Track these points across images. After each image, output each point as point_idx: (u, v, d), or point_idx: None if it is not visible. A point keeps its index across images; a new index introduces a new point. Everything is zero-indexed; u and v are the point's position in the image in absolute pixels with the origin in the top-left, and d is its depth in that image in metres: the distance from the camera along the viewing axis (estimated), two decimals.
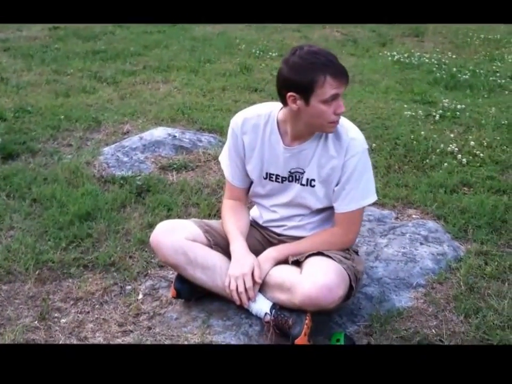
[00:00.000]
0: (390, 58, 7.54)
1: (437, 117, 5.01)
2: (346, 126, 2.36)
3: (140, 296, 2.62)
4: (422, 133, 4.52)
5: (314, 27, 9.41)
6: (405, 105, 5.34)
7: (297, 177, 2.41)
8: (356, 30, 9.37)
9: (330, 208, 2.44)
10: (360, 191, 2.37)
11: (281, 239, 2.53)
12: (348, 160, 2.32)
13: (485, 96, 5.88)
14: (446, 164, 3.97)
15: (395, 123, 4.81)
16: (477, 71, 6.80)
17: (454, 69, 6.82)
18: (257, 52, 7.61)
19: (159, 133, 4.37)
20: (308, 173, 2.39)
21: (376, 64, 7.26)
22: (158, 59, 7.19)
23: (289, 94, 2.21)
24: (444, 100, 5.48)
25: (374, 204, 3.37)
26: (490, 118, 4.96)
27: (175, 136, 4.31)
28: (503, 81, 6.39)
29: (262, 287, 2.35)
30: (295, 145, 2.37)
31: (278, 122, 2.38)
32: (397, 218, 3.34)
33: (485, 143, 4.36)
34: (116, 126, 4.71)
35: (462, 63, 7.28)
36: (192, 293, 2.50)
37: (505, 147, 4.32)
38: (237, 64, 6.94)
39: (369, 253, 2.94)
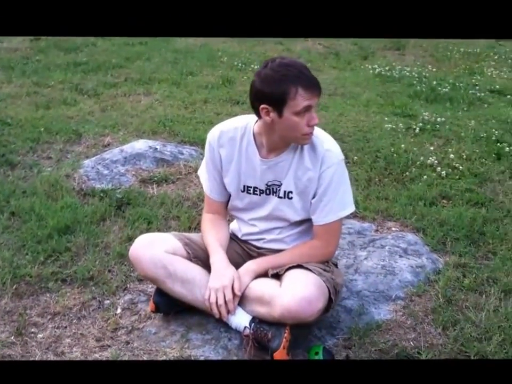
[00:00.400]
0: (371, 71, 7.59)
1: (417, 130, 5.05)
2: (321, 137, 2.37)
3: (118, 311, 2.60)
4: (402, 145, 4.55)
5: (296, 40, 9.47)
6: (386, 118, 5.37)
7: (275, 190, 2.42)
8: (338, 43, 9.43)
9: (309, 221, 2.45)
10: (337, 202, 2.38)
11: (261, 252, 2.53)
12: (323, 172, 2.33)
13: (465, 109, 5.93)
14: (425, 177, 4.00)
15: (376, 136, 4.84)
16: (457, 84, 6.85)
17: (434, 82, 6.87)
18: (239, 64, 7.63)
19: (140, 145, 4.37)
20: (284, 185, 2.40)
21: (357, 77, 7.31)
22: (139, 71, 7.18)
23: (262, 106, 2.22)
24: (424, 113, 5.52)
25: (354, 217, 3.40)
26: (470, 131, 5.01)
27: (156, 149, 4.30)
28: (483, 94, 6.45)
29: (242, 300, 2.35)
30: (271, 158, 2.38)
31: (254, 135, 2.39)
32: (376, 231, 3.36)
33: (464, 156, 4.40)
34: (96, 138, 4.69)
35: (442, 76, 7.34)
36: (171, 306, 2.49)
37: (484, 160, 4.36)
38: (219, 76, 6.95)
39: (349, 265, 2.94)
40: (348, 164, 4.02)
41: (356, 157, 4.32)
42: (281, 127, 2.26)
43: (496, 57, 8.71)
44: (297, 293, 2.19)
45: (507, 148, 4.53)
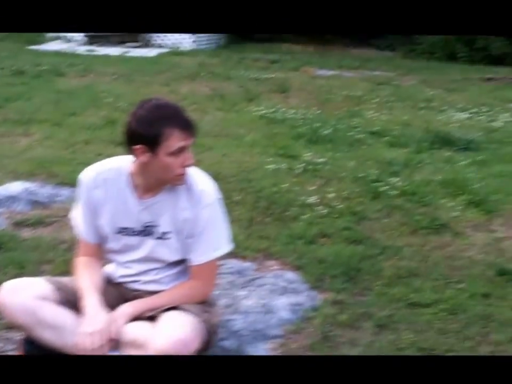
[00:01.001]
0: (256, 113, 7.68)
1: (299, 170, 5.16)
2: (197, 177, 2.37)
3: None
4: (284, 185, 4.63)
5: (182, 82, 9.54)
6: (269, 159, 5.45)
7: (151, 231, 2.38)
8: (223, 85, 9.57)
9: (187, 261, 2.42)
10: (213, 242, 2.37)
11: (137, 295, 2.47)
12: (199, 212, 2.33)
13: (345, 150, 6.10)
14: (306, 216, 4.08)
15: (259, 176, 4.90)
16: (338, 126, 7.06)
17: (317, 124, 7.03)
18: (124, 105, 7.54)
19: (15, 187, 4.20)
20: (161, 226, 2.37)
21: (242, 119, 7.39)
22: (19, 111, 6.91)
23: (137, 146, 2.21)
24: (306, 154, 5.65)
25: (235, 257, 3.40)
26: (349, 171, 5.17)
27: (32, 191, 4.15)
28: (362, 136, 6.68)
29: (116, 344, 2.27)
30: (147, 198, 2.35)
31: (130, 175, 2.36)
32: (257, 270, 3.37)
33: (343, 195, 4.52)
34: None
35: (325, 118, 7.55)
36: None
37: (362, 199, 4.50)
38: (103, 117, 6.83)
39: (228, 305, 2.93)
40: (230, 204, 4.03)
41: (238, 197, 4.34)
42: (156, 168, 2.25)
43: (376, 100, 9.10)
44: (172, 334, 2.15)
45: (384, 187, 4.71)
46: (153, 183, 2.32)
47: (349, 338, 2.69)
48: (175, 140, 2.19)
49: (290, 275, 3.28)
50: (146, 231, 2.39)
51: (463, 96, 10.06)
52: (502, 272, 3.35)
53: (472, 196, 4.57)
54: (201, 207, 2.34)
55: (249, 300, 2.99)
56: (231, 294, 3.04)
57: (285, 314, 2.88)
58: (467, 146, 6.30)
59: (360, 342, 2.65)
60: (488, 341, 2.70)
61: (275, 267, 3.40)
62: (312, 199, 4.36)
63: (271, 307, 2.93)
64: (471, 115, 8.26)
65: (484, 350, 2.62)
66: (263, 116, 7.51)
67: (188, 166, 2.28)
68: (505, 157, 6.01)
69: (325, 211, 4.18)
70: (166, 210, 2.35)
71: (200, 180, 2.39)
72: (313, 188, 4.70)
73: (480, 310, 2.96)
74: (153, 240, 2.39)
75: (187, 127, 2.23)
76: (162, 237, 2.38)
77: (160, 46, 15.07)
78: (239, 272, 3.29)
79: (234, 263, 3.38)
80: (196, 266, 2.39)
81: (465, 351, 2.59)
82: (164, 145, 2.19)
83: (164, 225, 2.37)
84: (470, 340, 2.70)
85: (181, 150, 2.22)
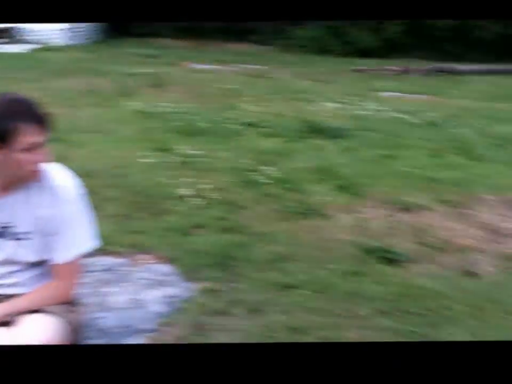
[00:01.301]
0: (131, 108, 7.56)
1: (175, 164, 5.14)
2: (56, 173, 2.28)
3: None
4: (160, 179, 4.61)
5: (55, 78, 9.25)
6: (144, 154, 5.38)
7: (9, 232, 2.26)
8: (98, 81, 9.34)
9: (49, 260, 2.33)
10: (75, 240, 2.29)
11: None
12: (58, 209, 2.24)
13: (221, 142, 6.12)
14: (181, 208, 4.07)
15: (133, 171, 4.84)
16: (214, 118, 7.09)
17: (193, 117, 7.03)
18: None
19: None
20: (19, 226, 2.25)
21: (117, 114, 7.25)
22: None
23: None
24: (182, 147, 5.63)
25: (107, 253, 3.33)
26: (225, 162, 5.21)
27: None
28: (238, 127, 6.74)
29: None
30: (2, 197, 2.23)
31: None
32: (130, 265, 3.31)
33: (219, 186, 4.55)
34: None
35: (201, 111, 7.55)
36: None
37: (237, 189, 4.55)
38: None
39: (99, 303, 2.86)
40: (102, 200, 3.96)
41: (111, 193, 4.26)
42: (9, 165, 2.13)
43: (252, 92, 9.20)
44: (31, 338, 2.05)
45: (258, 176, 4.78)
46: (8, 181, 2.21)
47: (221, 325, 2.70)
48: (27, 135, 2.09)
49: (165, 268, 3.25)
50: (3, 232, 2.27)
51: (334, 87, 10.41)
52: (368, 251, 3.50)
53: (341, 181, 4.75)
54: (61, 203, 2.25)
55: (121, 296, 2.94)
56: (102, 291, 2.98)
57: (158, 307, 2.86)
58: (337, 134, 6.50)
59: (232, 328, 2.67)
60: (354, 316, 2.81)
61: (149, 261, 3.36)
62: (187, 191, 4.36)
63: (144, 302, 2.90)
64: (341, 105, 8.54)
65: (350, 324, 2.72)
66: (138, 111, 7.41)
67: (43, 162, 2.19)
68: (371, 142, 6.29)
69: (201, 202, 4.19)
70: (22, 209, 2.24)
71: (59, 176, 2.29)
72: (189, 180, 4.68)
73: (348, 288, 3.08)
74: (11, 241, 2.27)
75: (41, 122, 2.14)
76: (21, 237, 2.27)
77: (31, 42, 14.51)
78: (111, 269, 3.23)
79: (107, 260, 3.31)
80: (58, 265, 2.30)
81: (332, 327, 2.68)
82: (16, 140, 2.09)
83: (21, 225, 2.25)
84: (337, 316, 2.80)
85: (34, 146, 2.13)
